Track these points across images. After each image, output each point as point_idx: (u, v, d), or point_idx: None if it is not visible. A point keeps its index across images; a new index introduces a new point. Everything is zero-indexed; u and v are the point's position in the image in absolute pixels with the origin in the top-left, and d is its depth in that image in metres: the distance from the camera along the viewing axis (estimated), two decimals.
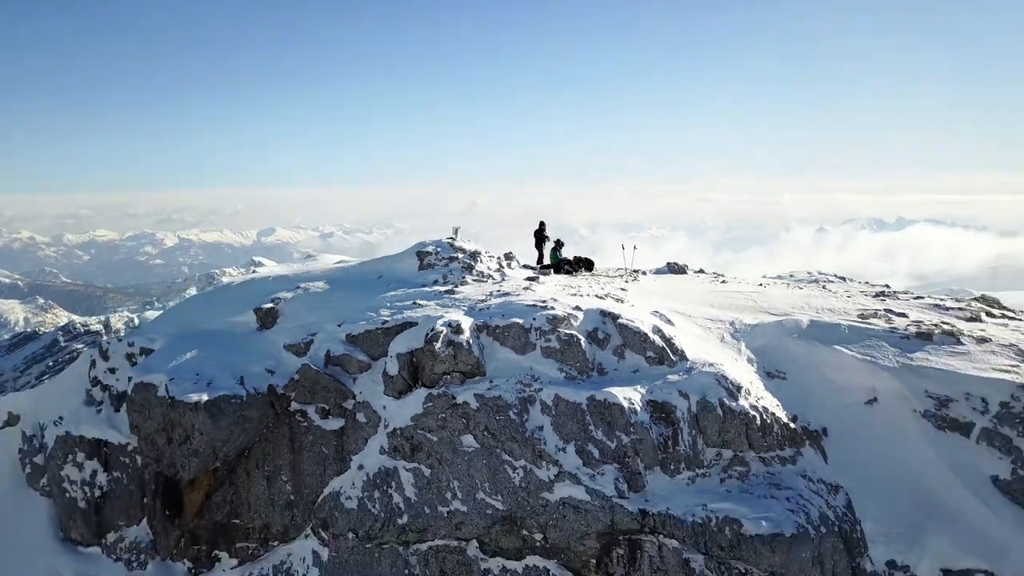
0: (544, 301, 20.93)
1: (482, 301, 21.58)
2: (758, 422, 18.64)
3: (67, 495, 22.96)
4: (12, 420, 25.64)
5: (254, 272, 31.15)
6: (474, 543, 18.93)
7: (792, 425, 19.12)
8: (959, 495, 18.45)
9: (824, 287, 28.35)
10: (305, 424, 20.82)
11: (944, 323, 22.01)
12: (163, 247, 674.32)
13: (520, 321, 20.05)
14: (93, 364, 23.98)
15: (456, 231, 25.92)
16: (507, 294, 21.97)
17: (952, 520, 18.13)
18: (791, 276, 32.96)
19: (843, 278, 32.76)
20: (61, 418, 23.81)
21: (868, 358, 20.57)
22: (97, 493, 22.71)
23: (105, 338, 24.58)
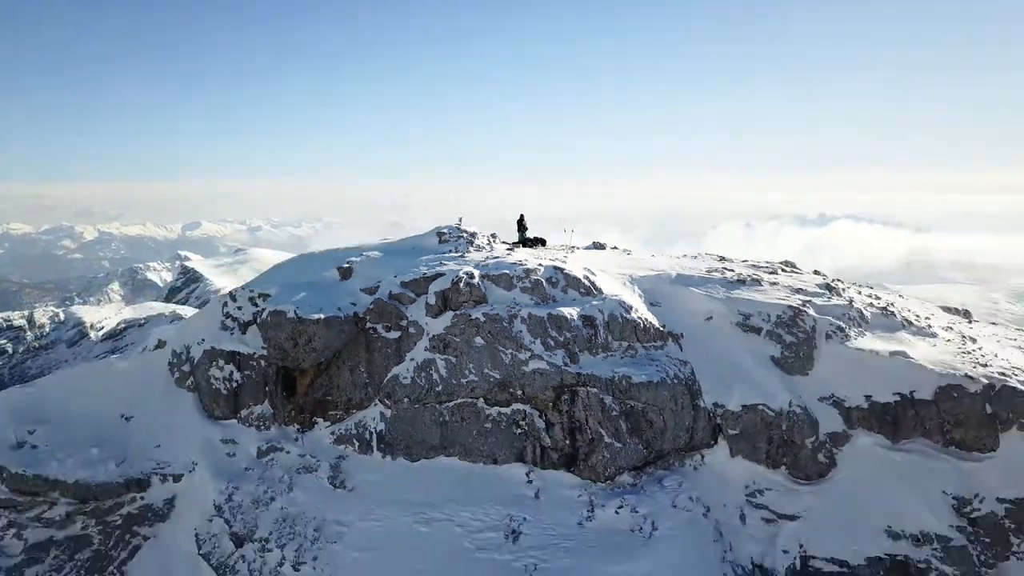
0: (520, 261, 34.98)
1: (482, 261, 35.45)
2: (642, 327, 33.01)
3: (212, 387, 35.85)
4: (160, 344, 38.30)
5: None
6: (481, 400, 32.67)
7: (662, 329, 33.54)
8: (752, 366, 33.18)
9: (696, 258, 43.12)
10: (376, 335, 34.27)
11: (754, 275, 36.94)
12: (82, 241, 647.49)
13: (507, 272, 34.03)
14: (225, 304, 36.98)
15: (460, 220, 39.72)
16: (497, 257, 35.92)
17: (748, 380, 32.81)
18: (684, 255, 47.65)
19: (722, 257, 47.59)
20: (203, 339, 36.65)
21: (707, 294, 35.28)
22: (234, 385, 35.69)
23: (233, 288, 36.92)
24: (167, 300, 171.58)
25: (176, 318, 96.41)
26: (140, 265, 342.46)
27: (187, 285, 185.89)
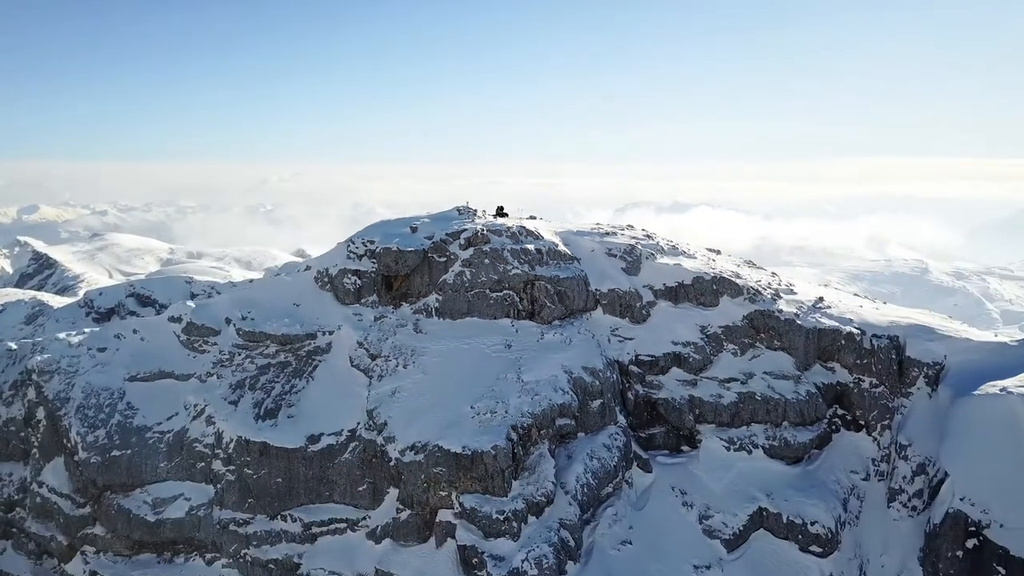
0: (503, 223, 69.45)
1: (485, 223, 69.42)
2: (562, 253, 68.33)
3: (345, 288, 68.11)
4: (307, 268, 70.09)
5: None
6: (487, 289, 66.67)
7: (571, 255, 68.88)
8: (612, 271, 69.18)
9: (584, 226, 78.97)
10: (434, 260, 67.50)
11: (612, 231, 73.18)
12: None
13: (499, 228, 68.38)
14: (348, 245, 69.26)
15: (468, 202, 73.45)
16: (493, 222, 70.09)
17: (610, 277, 68.72)
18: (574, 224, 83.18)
19: (598, 223, 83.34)
20: (337, 264, 68.81)
21: (591, 239, 71.19)
22: (357, 286, 68.11)
23: (352, 235, 68.88)
24: (19, 286, 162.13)
25: (39, 304, 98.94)
26: None
27: (40, 271, 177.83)
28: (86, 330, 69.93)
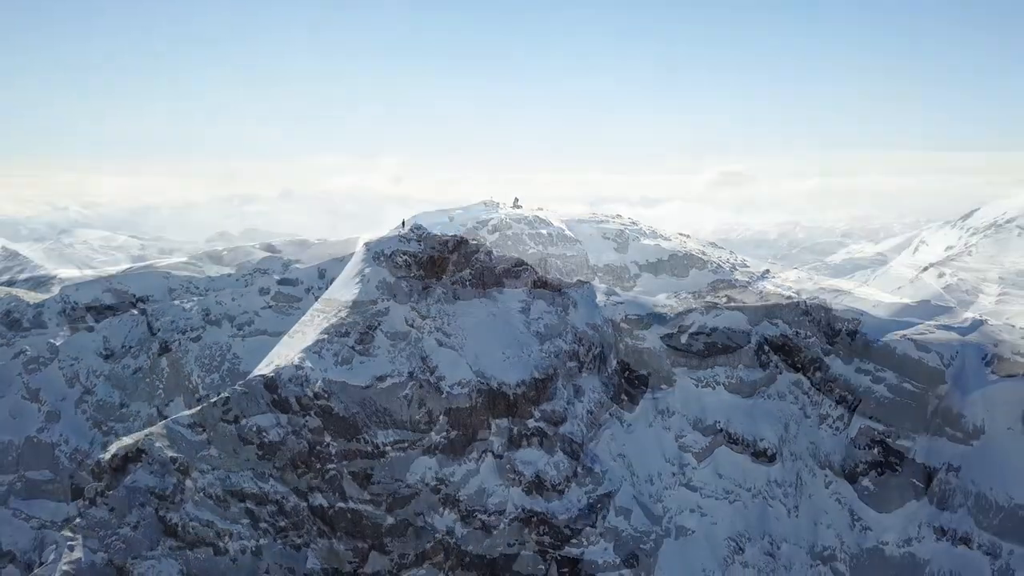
0: (522, 212, 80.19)
1: (507, 212, 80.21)
2: (567, 236, 79.26)
3: (398, 263, 78.64)
4: (367, 249, 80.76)
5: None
6: (510, 264, 77.67)
7: (575, 238, 79.80)
8: (607, 251, 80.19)
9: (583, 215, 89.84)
10: (470, 244, 78.18)
11: (605, 219, 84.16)
12: None
13: (519, 215, 79.18)
14: (399, 230, 79.84)
15: (491, 196, 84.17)
16: (515, 211, 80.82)
17: (606, 255, 79.77)
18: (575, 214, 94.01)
19: (594, 212, 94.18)
20: (391, 246, 79.36)
21: (590, 226, 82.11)
22: (408, 263, 78.73)
23: (397, 225, 79.71)
24: None
25: (14, 300, 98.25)
26: None
27: (9, 268, 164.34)
28: (194, 298, 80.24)
